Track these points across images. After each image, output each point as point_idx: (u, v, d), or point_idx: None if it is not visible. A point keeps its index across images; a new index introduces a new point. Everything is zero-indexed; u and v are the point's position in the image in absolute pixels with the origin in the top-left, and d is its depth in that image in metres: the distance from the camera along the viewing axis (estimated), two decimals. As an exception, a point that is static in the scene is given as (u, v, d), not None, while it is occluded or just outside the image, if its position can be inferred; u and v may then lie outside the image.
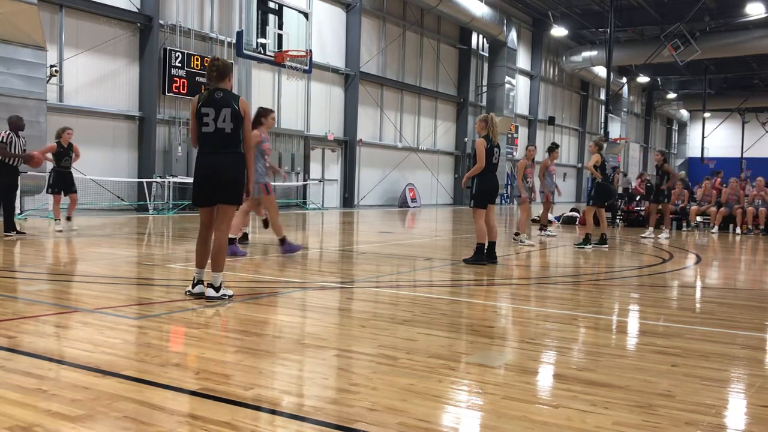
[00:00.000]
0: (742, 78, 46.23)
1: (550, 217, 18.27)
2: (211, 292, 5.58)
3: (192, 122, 5.63)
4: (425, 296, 6.32)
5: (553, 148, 14.06)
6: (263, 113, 8.96)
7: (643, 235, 14.05)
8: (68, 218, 11.68)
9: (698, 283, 8.13)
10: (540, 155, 17.40)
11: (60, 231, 11.24)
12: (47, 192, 11.75)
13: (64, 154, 11.39)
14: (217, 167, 5.49)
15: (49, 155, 11.32)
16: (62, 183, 11.45)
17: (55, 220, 11.60)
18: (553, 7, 32.81)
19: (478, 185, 8.71)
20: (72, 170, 11.74)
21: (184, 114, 19.01)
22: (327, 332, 4.67)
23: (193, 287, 5.72)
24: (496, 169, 8.82)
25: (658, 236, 13.93)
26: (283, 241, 8.98)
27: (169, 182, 17.93)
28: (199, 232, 5.78)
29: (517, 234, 12.11)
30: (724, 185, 17.38)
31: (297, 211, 21.85)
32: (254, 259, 8.76)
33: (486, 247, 8.76)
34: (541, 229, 14.01)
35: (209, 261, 5.69)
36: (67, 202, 11.79)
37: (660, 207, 14.32)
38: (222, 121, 5.45)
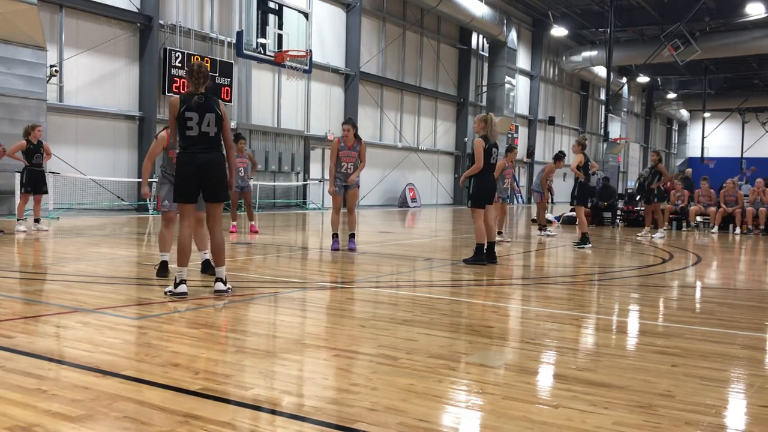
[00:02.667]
0: (742, 78, 46.24)
1: (550, 217, 18.33)
2: (220, 285, 5.80)
3: (172, 125, 5.75)
4: (425, 296, 6.32)
5: (560, 157, 14.10)
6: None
7: (638, 234, 14.18)
8: (36, 221, 11.38)
9: (698, 283, 8.13)
10: (540, 156, 17.40)
11: (23, 231, 10.96)
12: (21, 191, 11.48)
13: (34, 151, 11.19)
14: (205, 167, 5.68)
15: (19, 154, 11.13)
16: (34, 182, 11.23)
17: (18, 219, 11.36)
18: (553, 7, 32.79)
19: (477, 185, 8.70)
20: (44, 170, 11.54)
21: (184, 114, 18.99)
22: (327, 332, 4.67)
23: (176, 287, 5.67)
24: (494, 169, 8.82)
25: (652, 236, 14.01)
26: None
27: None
28: (182, 231, 5.80)
29: (500, 232, 12.19)
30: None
31: (297, 211, 21.85)
32: (254, 259, 8.76)
33: (485, 247, 8.76)
34: (540, 229, 14.02)
35: (195, 258, 5.82)
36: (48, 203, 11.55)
37: (652, 207, 14.47)
38: (206, 125, 5.68)
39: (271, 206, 21.63)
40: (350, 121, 9.91)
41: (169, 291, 5.72)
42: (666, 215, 17.00)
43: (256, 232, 12.22)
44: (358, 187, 9.97)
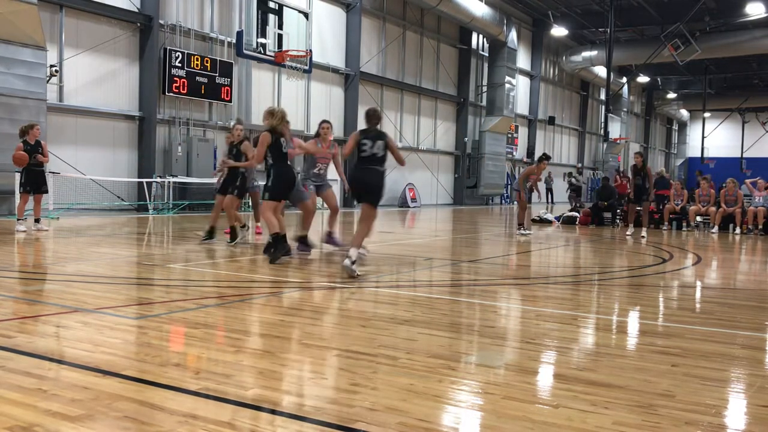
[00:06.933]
0: (742, 78, 46.23)
1: (550, 216, 18.35)
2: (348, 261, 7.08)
3: (351, 144, 7.67)
4: (425, 296, 6.32)
5: (542, 159, 14.13)
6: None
7: (641, 235, 14.14)
8: (36, 220, 11.32)
9: (698, 283, 8.13)
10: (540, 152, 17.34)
11: (23, 231, 10.91)
12: (20, 191, 11.40)
13: (33, 151, 11.06)
14: (369, 179, 7.51)
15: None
16: (33, 182, 11.14)
17: (18, 219, 11.30)
18: (553, 7, 32.78)
19: (277, 177, 8.25)
20: (44, 170, 11.47)
21: (184, 114, 19.03)
22: (327, 332, 4.67)
23: (353, 264, 7.00)
24: (287, 159, 8.49)
25: (626, 233, 14.05)
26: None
27: (169, 182, 17.92)
28: (366, 222, 7.57)
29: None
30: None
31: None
32: (255, 259, 8.76)
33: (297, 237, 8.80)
34: (518, 228, 13.98)
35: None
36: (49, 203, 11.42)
37: (640, 207, 14.53)
38: (375, 149, 7.50)
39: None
40: (328, 120, 9.80)
41: (350, 267, 6.96)
42: (666, 215, 17.02)
43: (261, 233, 12.11)
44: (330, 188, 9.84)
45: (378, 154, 7.50)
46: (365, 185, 7.61)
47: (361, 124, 27.85)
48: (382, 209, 24.80)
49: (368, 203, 7.60)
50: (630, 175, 15.19)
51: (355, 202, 8.20)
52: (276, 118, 8.38)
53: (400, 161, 7.87)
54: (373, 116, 7.81)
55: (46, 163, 11.51)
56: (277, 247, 8.13)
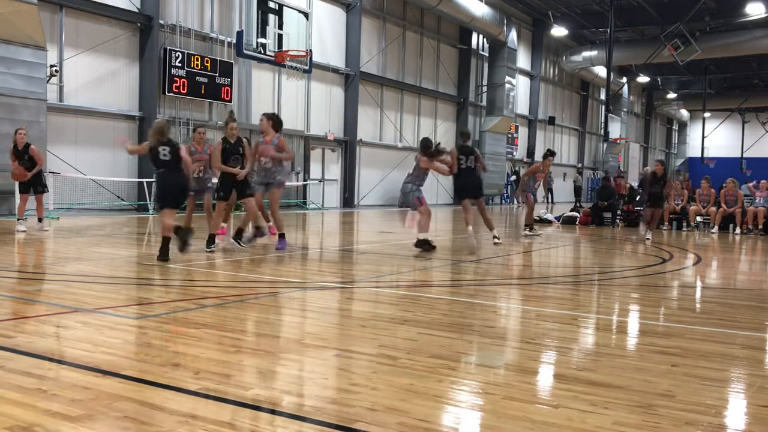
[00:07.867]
0: (742, 78, 46.23)
1: (550, 216, 18.34)
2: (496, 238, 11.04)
3: (453, 160, 10.48)
4: (425, 296, 6.32)
5: (547, 155, 13.97)
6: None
7: (646, 237, 13.95)
8: (39, 220, 11.38)
9: (698, 283, 8.13)
10: (540, 156, 17.30)
11: (23, 231, 10.89)
12: (18, 192, 11.46)
13: (21, 155, 11.06)
14: (475, 182, 10.69)
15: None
16: (28, 183, 11.17)
17: (18, 219, 11.32)
18: (553, 7, 32.78)
19: (156, 185, 8.28)
20: (40, 170, 11.42)
21: (184, 114, 19.03)
22: (327, 332, 4.67)
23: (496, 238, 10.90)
24: (165, 166, 8.22)
25: (646, 237, 13.90)
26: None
27: (169, 182, 17.90)
28: (485, 211, 11.23)
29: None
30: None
31: (297, 211, 21.84)
32: (255, 259, 8.76)
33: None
34: (527, 228, 13.91)
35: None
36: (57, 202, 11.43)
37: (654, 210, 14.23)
38: (468, 162, 10.45)
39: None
40: (267, 113, 9.86)
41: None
42: (666, 215, 17.01)
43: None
44: (281, 186, 9.69)
45: (472, 166, 10.56)
46: (473, 187, 10.79)
47: (362, 124, 27.86)
48: (382, 209, 24.92)
49: (476, 198, 10.90)
50: (648, 181, 14.73)
51: (458, 200, 11.17)
52: (156, 132, 8.44)
53: (484, 169, 10.82)
54: (467, 136, 11.29)
55: (40, 164, 11.44)
56: (161, 253, 7.85)
